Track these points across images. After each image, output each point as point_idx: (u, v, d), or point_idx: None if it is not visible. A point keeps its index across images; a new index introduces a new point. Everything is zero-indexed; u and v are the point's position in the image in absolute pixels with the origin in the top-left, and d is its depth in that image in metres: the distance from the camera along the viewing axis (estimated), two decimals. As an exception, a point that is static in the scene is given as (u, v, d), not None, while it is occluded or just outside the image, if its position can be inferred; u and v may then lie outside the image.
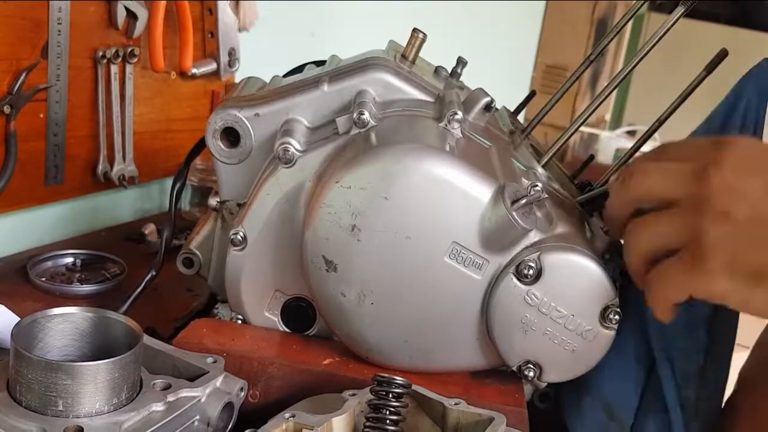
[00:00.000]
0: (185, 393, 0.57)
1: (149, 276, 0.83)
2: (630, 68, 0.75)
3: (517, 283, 0.64)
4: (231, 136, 0.73)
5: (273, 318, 0.73)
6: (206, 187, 1.23)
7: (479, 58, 1.23)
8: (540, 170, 0.75)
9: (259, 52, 1.36)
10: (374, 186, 0.64)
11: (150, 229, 1.15)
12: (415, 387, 0.60)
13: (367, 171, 0.64)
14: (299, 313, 0.73)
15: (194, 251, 0.78)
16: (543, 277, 0.64)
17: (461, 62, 0.81)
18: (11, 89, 0.97)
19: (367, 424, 0.57)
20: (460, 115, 0.68)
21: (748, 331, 0.75)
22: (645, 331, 0.69)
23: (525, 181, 0.69)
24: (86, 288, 0.95)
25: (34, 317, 0.57)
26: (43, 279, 0.95)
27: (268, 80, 0.82)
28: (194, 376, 0.60)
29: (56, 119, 1.04)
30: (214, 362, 0.62)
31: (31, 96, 1.00)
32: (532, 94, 0.91)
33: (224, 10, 1.24)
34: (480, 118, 0.73)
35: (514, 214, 0.63)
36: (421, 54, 0.79)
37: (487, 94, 0.73)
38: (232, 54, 1.27)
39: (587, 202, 0.75)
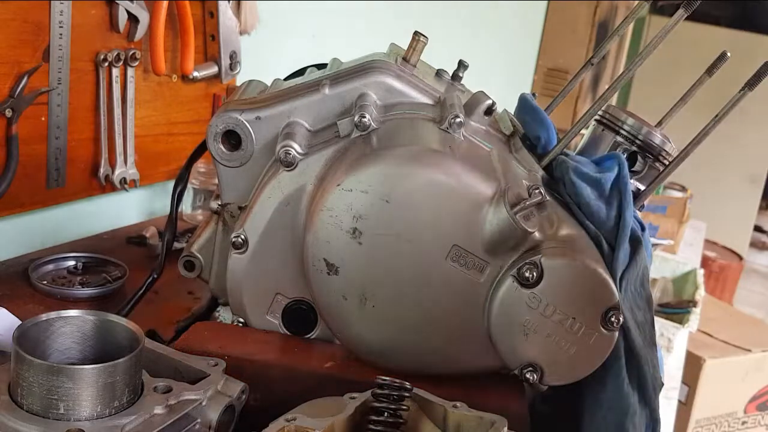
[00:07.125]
0: (186, 396, 0.57)
1: (150, 279, 0.83)
2: (631, 71, 0.75)
3: (519, 286, 0.64)
4: (232, 139, 0.73)
5: (274, 321, 0.73)
6: (207, 190, 1.23)
7: (480, 61, 1.23)
8: (541, 173, 0.75)
9: (261, 55, 1.36)
10: (375, 189, 0.64)
11: (151, 232, 1.15)
12: (416, 390, 0.60)
13: (369, 174, 0.64)
14: (300, 316, 0.73)
15: (195, 254, 0.78)
16: (544, 280, 0.64)
17: (462, 65, 0.82)
18: (13, 92, 0.97)
19: (369, 427, 0.56)
20: (461, 118, 0.68)
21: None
22: None
23: (526, 184, 0.69)
24: (87, 291, 0.95)
25: (36, 320, 0.57)
26: (45, 282, 0.95)
27: (269, 83, 0.82)
28: (195, 379, 0.60)
29: (58, 122, 1.05)
30: (215, 365, 0.62)
31: (32, 99, 1.00)
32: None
33: (225, 13, 1.24)
34: (481, 121, 0.73)
35: (515, 216, 0.63)
36: (422, 57, 0.79)
37: (488, 97, 0.73)
38: (234, 57, 1.27)
39: None
